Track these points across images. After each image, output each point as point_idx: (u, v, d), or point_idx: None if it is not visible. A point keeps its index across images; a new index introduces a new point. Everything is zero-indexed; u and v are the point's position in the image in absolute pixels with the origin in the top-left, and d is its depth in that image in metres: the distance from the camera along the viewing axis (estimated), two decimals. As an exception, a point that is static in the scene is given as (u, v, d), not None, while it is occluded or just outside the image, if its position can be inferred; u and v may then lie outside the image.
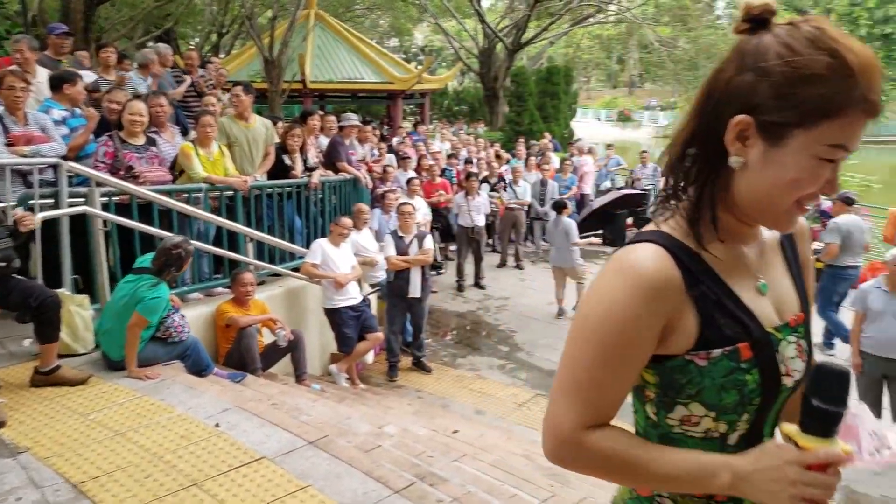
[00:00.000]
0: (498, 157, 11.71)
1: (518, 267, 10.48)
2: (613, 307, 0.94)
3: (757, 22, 0.93)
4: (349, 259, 5.99)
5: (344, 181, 7.02)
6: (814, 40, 0.88)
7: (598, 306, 0.97)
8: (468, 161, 11.33)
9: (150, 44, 12.29)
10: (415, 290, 6.37)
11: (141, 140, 4.93)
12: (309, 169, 6.40)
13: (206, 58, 10.72)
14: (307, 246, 6.04)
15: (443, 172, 10.42)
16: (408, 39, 38.48)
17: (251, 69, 14.50)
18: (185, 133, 5.97)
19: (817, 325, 7.27)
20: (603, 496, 3.53)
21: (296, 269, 6.00)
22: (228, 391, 4.03)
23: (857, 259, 7.12)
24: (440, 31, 26.15)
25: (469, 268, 9.44)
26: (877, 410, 5.13)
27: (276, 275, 6.05)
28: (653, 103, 61.38)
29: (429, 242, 6.54)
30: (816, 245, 7.05)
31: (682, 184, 1.01)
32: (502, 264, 10.54)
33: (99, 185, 4.44)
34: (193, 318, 4.86)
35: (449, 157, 11.69)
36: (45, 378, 3.69)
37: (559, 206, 8.26)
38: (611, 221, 11.83)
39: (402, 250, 6.38)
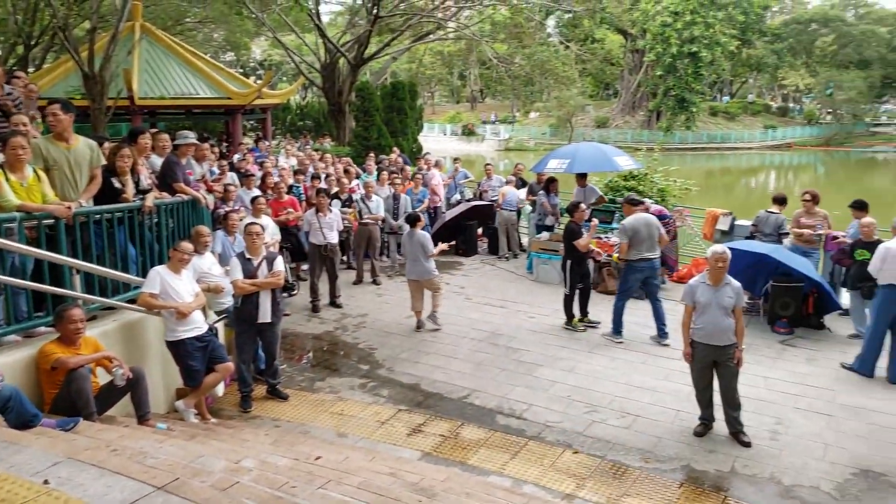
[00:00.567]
0: (347, 172, 11.64)
1: (375, 282, 10.46)
2: None
3: None
4: (191, 286, 5.63)
5: (182, 203, 6.62)
6: None
7: None
8: (316, 177, 11.15)
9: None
10: (265, 315, 6.12)
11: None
12: (142, 192, 5.96)
13: (11, 72, 9.60)
14: (143, 275, 5.59)
15: (290, 189, 10.16)
16: (245, 54, 37.25)
17: (68, 84, 13.20)
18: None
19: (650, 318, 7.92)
20: (470, 504, 3.58)
21: (132, 301, 5.55)
22: (59, 442, 3.59)
23: (652, 253, 7.87)
24: (279, 45, 25.59)
25: (323, 287, 9.25)
26: (709, 393, 5.68)
27: (110, 308, 5.56)
28: (493, 118, 64.42)
29: (279, 264, 6.31)
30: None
31: None
32: (359, 281, 10.46)
33: None
34: (10, 364, 4.34)
35: (296, 173, 11.44)
36: None
37: (413, 220, 8.36)
38: (463, 232, 12.35)
39: (250, 273, 6.10)
